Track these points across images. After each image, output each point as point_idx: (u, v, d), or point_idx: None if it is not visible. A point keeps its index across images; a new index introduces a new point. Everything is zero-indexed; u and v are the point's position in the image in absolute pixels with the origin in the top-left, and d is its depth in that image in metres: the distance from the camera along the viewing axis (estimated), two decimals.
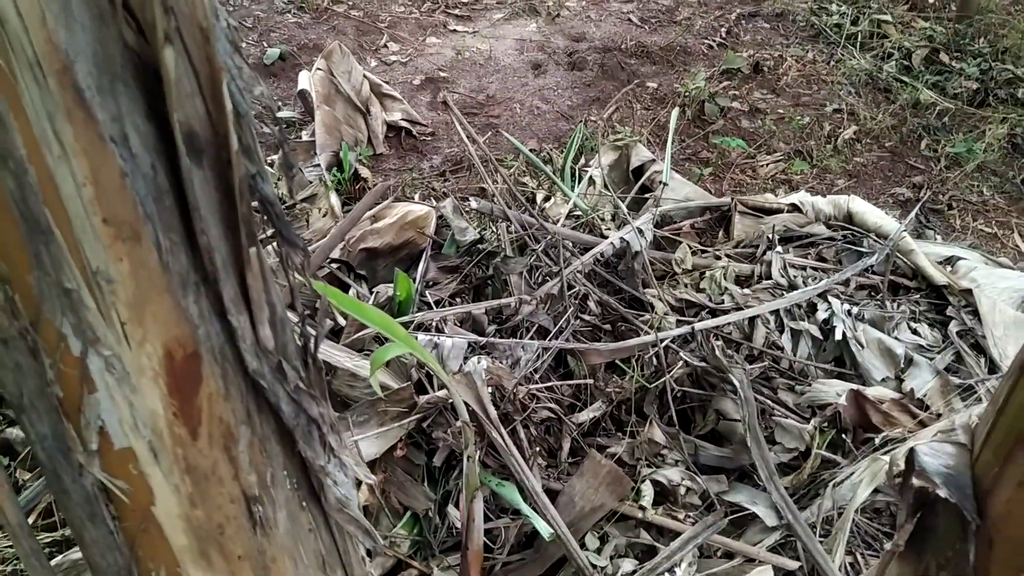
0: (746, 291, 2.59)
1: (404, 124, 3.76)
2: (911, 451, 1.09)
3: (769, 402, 2.34)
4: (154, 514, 1.02)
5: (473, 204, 2.44)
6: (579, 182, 3.04)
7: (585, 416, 2.27)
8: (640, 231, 2.53)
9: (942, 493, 1.04)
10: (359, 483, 1.77)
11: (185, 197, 0.81)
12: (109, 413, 0.93)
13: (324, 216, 2.96)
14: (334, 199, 2.98)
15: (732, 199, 2.92)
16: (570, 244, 2.54)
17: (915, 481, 1.07)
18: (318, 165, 3.27)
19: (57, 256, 0.80)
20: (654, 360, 2.32)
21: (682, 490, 2.20)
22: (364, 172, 3.23)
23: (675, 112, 3.49)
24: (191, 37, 0.77)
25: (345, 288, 2.51)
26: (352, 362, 2.16)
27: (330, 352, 2.16)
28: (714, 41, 4.80)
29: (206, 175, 0.83)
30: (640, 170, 3.18)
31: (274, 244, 1.04)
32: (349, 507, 1.22)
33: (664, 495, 2.23)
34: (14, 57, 0.72)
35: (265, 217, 0.98)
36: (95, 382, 0.90)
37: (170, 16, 0.74)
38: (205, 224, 0.84)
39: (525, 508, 2.01)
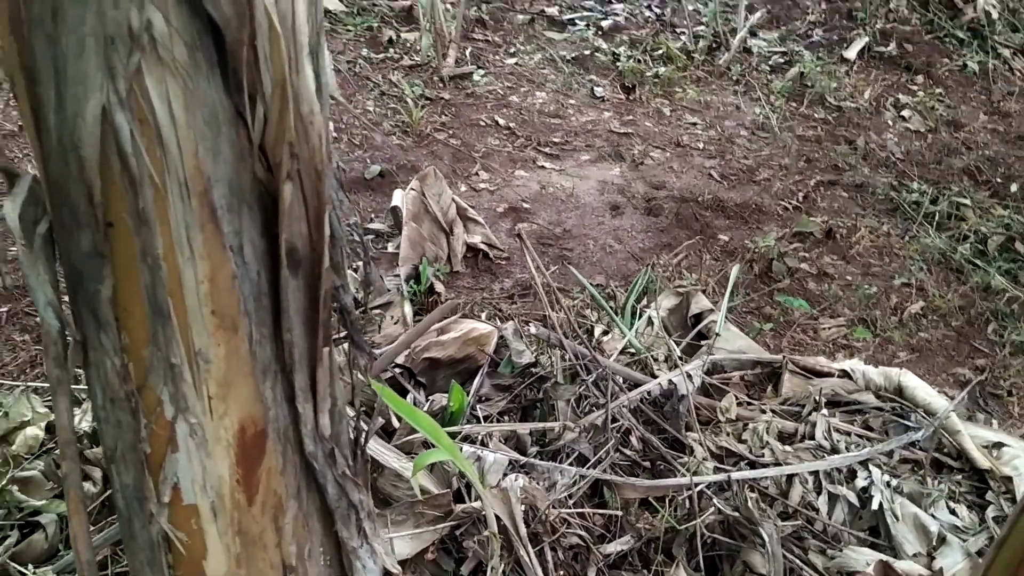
0: (787, 448, 2.65)
1: (483, 247, 4.00)
2: None
3: (799, 562, 2.36)
4: (204, 569, 1.17)
5: (532, 330, 2.60)
6: (638, 320, 3.19)
7: (613, 548, 2.33)
8: (689, 376, 2.64)
9: None
10: (387, 573, 1.87)
11: (279, 300, 0.99)
12: (184, 472, 1.09)
13: (396, 323, 3.16)
14: (407, 309, 3.19)
15: (784, 357, 3.01)
16: (620, 379, 2.67)
17: None
18: (398, 276, 3.51)
19: (170, 336, 0.98)
20: (687, 503, 2.39)
21: None
22: (439, 287, 3.45)
23: (736, 267, 3.63)
24: (307, 175, 0.97)
25: (403, 393, 2.67)
26: (399, 463, 2.29)
27: (380, 450, 2.30)
28: (790, 204, 4.97)
29: (298, 284, 1.01)
30: (699, 318, 3.31)
31: (344, 346, 1.21)
32: None
33: None
34: (168, 177, 0.92)
35: (341, 322, 1.15)
36: (179, 444, 1.07)
37: (294, 160, 0.93)
38: (291, 323, 1.02)
39: None
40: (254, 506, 1.15)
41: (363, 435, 1.29)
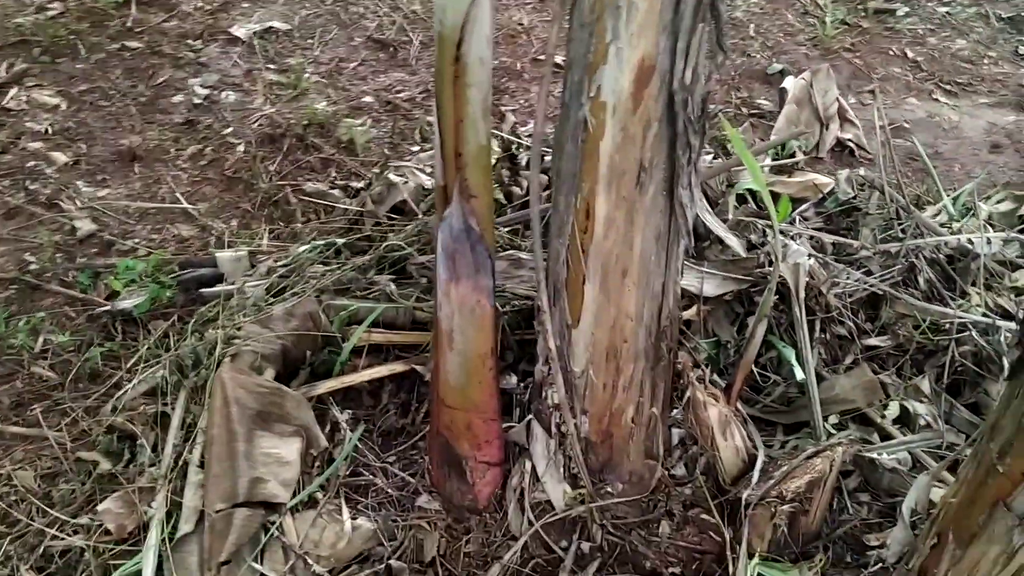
0: None
1: (851, 144, 4.50)
2: None
3: None
4: (599, 147, 2.07)
5: (862, 171, 3.15)
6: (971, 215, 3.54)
7: (873, 342, 2.90)
8: (989, 240, 3.04)
9: None
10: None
11: None
12: (606, 79, 1.96)
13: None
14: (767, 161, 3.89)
15: None
16: (923, 231, 3.14)
17: None
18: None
19: None
20: (950, 331, 2.85)
21: (921, 421, 2.73)
22: (799, 155, 4.08)
23: None
24: None
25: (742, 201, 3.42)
26: (723, 231, 3.06)
27: (709, 220, 3.08)
28: None
29: None
30: None
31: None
32: (688, 208, 2.15)
33: (905, 420, 2.77)
34: None
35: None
36: (608, 60, 1.94)
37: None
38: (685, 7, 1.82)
39: (794, 361, 2.74)
40: (635, 115, 2.00)
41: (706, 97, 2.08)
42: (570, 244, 2.20)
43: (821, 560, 2.44)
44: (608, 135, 2.02)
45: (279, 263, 3.04)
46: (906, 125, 4.87)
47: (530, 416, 2.47)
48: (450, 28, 1.70)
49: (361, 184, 3.62)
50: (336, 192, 3.59)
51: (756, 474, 2.51)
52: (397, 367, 2.80)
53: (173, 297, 2.99)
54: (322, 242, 3.09)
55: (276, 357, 2.70)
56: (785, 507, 2.35)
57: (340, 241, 3.11)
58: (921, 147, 4.67)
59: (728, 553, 2.36)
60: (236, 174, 3.72)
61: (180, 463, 2.42)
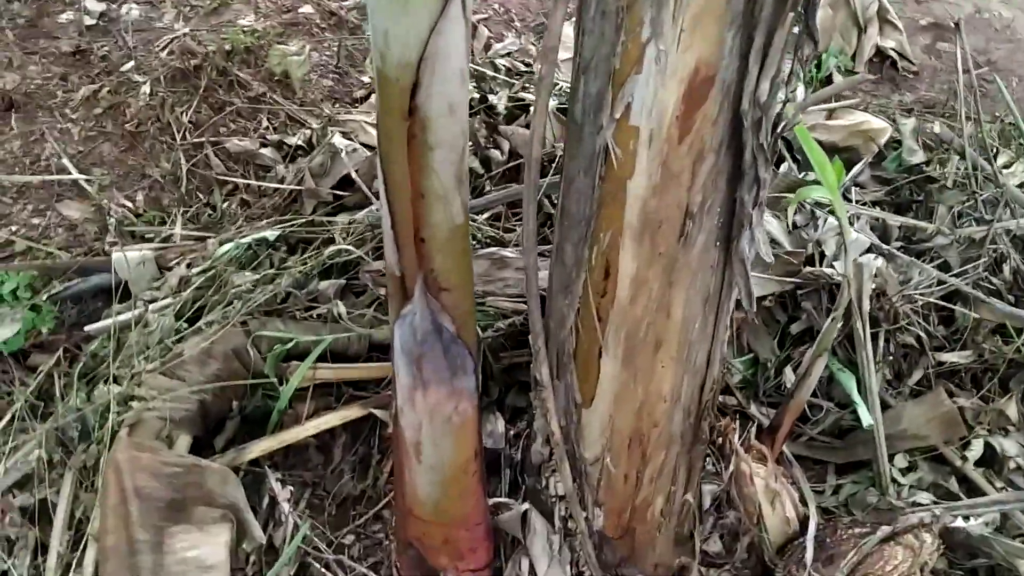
0: None
1: (892, 54, 3.76)
2: None
3: None
4: (627, 187, 1.39)
5: (936, 128, 2.48)
6: None
7: (949, 358, 2.32)
8: None
9: None
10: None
11: None
12: (639, 92, 1.27)
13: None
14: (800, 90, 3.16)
15: None
16: (1014, 207, 2.50)
17: None
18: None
19: None
20: None
21: (1012, 464, 2.20)
22: (836, 78, 3.35)
23: None
24: None
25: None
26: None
27: None
28: None
29: None
30: None
31: None
32: (749, 263, 1.49)
33: (990, 462, 2.23)
34: None
35: None
36: (643, 66, 1.25)
37: None
38: None
39: (856, 396, 2.16)
40: (682, 145, 1.32)
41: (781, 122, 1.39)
42: (581, 308, 1.56)
43: None
44: (641, 172, 1.36)
45: (195, 270, 2.35)
46: (952, 25, 4.11)
47: (526, 506, 1.89)
48: (396, 67, 0.98)
49: (298, 139, 2.87)
50: (268, 153, 2.84)
51: (809, 549, 1.97)
52: (351, 412, 2.19)
53: (55, 327, 2.31)
54: (250, 238, 2.39)
55: (192, 419, 2.07)
56: None
57: (272, 235, 2.41)
58: (973, 53, 3.94)
59: None
60: (140, 127, 2.95)
61: None
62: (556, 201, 1.88)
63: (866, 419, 2.10)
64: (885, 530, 1.93)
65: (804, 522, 2.07)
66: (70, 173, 2.78)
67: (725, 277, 1.53)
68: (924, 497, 2.19)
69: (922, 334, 2.32)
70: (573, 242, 1.52)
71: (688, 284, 1.50)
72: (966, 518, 2.08)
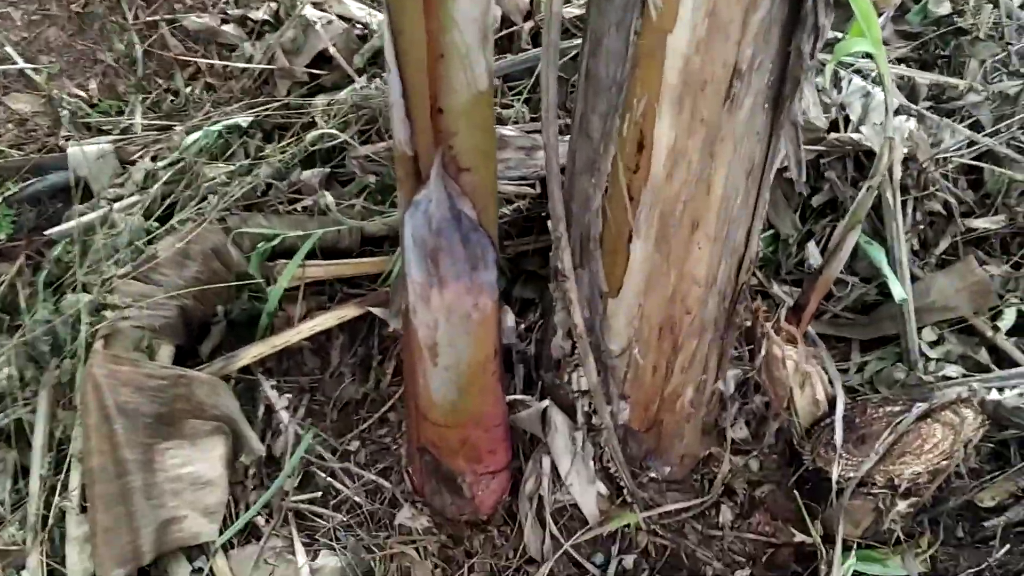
0: None
1: None
2: None
3: None
4: (667, 43, 1.19)
5: None
6: None
7: (979, 223, 2.18)
8: None
9: None
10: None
11: None
12: None
13: None
14: None
15: None
16: None
17: None
18: None
19: None
20: None
21: None
22: None
23: None
24: None
25: None
26: None
27: None
28: None
29: None
30: None
31: None
32: (799, 125, 1.32)
33: (1023, 331, 2.13)
34: None
35: None
36: None
37: None
38: None
39: (886, 269, 2.03)
40: None
41: None
42: (609, 187, 1.39)
43: (928, 540, 1.89)
44: (684, 23, 1.17)
45: (161, 163, 2.13)
46: None
47: (546, 403, 1.76)
48: None
49: (263, 12, 2.58)
50: (230, 29, 2.56)
51: (839, 430, 1.88)
52: (348, 312, 2.02)
53: (13, 232, 2.10)
54: (220, 125, 2.16)
55: (173, 327, 1.90)
56: (900, 504, 1.75)
57: (245, 121, 2.18)
58: None
59: (820, 546, 1.79)
60: (88, 7, 2.63)
61: (54, 508, 1.70)
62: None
63: (898, 293, 1.98)
64: (921, 407, 1.84)
65: (832, 403, 1.98)
66: (15, 62, 2.49)
67: (771, 144, 1.36)
68: (953, 370, 2.10)
69: (951, 199, 2.17)
70: (601, 112, 1.33)
71: (731, 154, 1.32)
72: (1000, 390, 1.99)
